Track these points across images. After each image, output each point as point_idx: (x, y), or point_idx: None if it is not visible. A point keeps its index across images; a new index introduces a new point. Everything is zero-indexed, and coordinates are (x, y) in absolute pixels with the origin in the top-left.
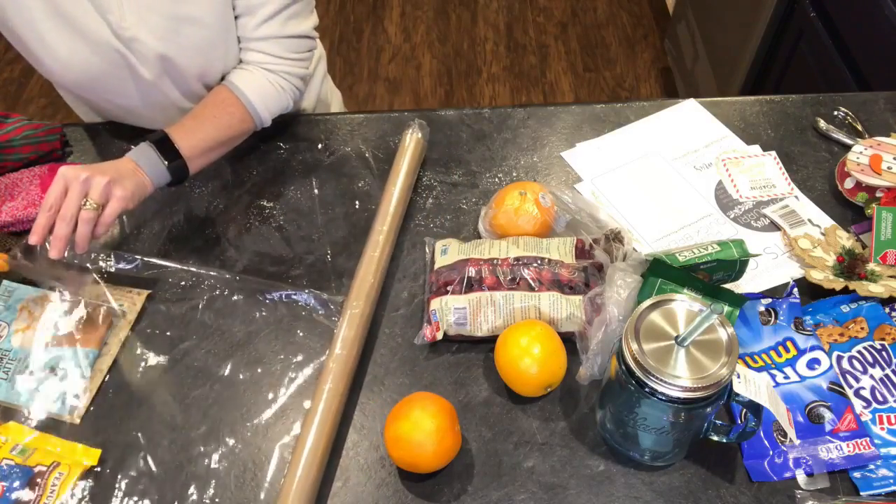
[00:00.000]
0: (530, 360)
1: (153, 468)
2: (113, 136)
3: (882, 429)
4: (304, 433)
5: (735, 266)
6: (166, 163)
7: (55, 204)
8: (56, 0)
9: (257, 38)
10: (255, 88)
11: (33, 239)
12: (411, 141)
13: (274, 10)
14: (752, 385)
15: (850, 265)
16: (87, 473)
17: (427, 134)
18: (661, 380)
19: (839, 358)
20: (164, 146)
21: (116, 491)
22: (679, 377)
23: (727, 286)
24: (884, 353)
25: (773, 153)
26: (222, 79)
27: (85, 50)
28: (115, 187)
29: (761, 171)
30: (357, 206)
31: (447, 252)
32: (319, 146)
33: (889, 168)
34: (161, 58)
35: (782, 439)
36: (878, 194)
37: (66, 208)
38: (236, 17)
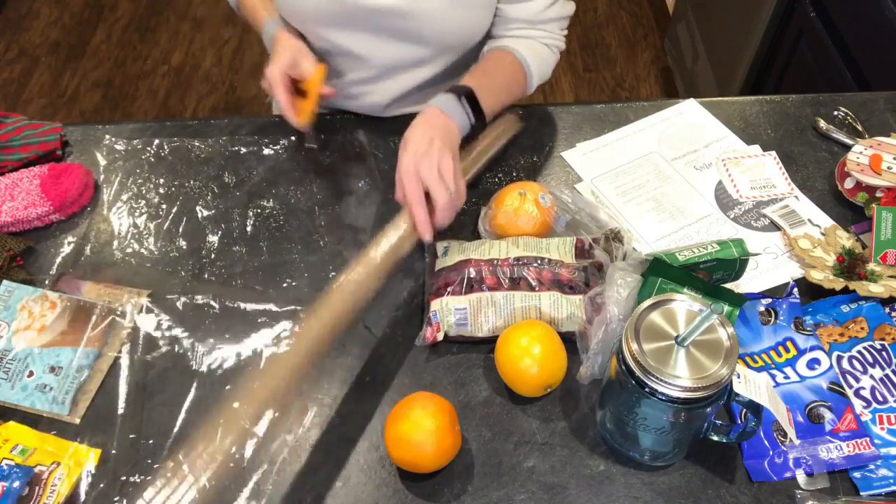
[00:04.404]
0: (530, 360)
1: (153, 468)
2: (113, 136)
3: (882, 429)
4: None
5: (735, 266)
6: (473, 122)
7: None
8: None
9: (545, 20)
10: (536, 59)
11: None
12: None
13: None
14: (752, 385)
15: (850, 265)
16: (87, 473)
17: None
18: (661, 380)
19: (839, 358)
20: (471, 102)
21: (116, 491)
22: (679, 377)
23: (727, 286)
24: (884, 353)
25: (773, 153)
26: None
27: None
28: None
29: (761, 171)
30: (357, 206)
31: (447, 253)
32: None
33: (889, 168)
34: (399, 14)
35: (782, 439)
36: (878, 194)
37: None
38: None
